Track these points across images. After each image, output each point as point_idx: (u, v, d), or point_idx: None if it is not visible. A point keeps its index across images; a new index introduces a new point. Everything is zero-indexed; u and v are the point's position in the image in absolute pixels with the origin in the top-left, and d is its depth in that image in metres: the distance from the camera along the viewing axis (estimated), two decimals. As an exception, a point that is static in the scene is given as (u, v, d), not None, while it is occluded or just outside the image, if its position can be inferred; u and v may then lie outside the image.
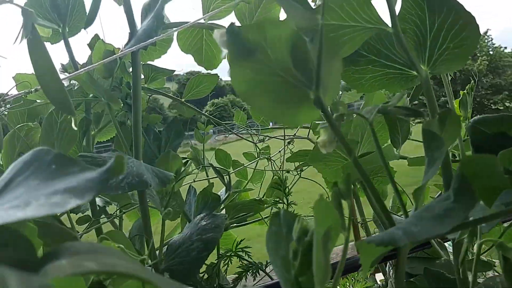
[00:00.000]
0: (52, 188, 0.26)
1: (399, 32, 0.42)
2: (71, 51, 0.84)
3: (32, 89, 0.52)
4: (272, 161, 0.86)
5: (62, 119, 0.54)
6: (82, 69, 0.60)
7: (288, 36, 0.33)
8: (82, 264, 0.20)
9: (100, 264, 0.19)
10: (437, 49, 0.47)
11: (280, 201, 0.79)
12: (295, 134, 0.86)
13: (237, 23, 0.82)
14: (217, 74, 0.87)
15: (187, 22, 0.72)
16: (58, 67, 1.13)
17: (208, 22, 0.75)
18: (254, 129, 0.92)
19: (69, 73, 1.00)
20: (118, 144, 0.83)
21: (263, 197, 0.81)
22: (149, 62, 0.81)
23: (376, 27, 0.43)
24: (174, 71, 0.83)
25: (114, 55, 0.64)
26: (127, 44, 0.67)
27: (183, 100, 0.87)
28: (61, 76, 1.09)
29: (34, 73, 0.67)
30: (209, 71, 0.86)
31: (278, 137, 0.86)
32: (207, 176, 0.89)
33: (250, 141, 0.90)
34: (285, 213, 0.32)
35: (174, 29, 0.67)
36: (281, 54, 0.33)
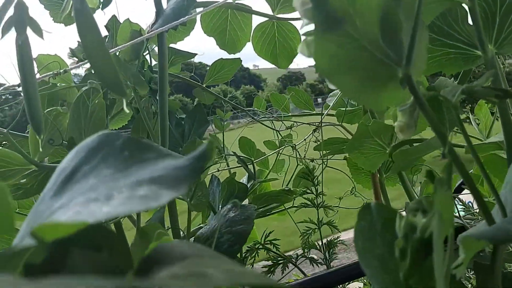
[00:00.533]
0: (133, 178, 0.22)
1: (476, 6, 0.39)
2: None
3: (61, 70, 0.48)
4: (296, 150, 0.82)
5: (93, 104, 0.50)
6: (113, 49, 0.55)
7: (380, 2, 0.29)
8: (205, 273, 0.16)
9: (226, 274, 0.16)
10: (506, 26, 0.43)
11: (309, 191, 0.75)
12: (321, 121, 0.83)
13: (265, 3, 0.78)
14: (239, 58, 0.83)
15: (215, 1, 0.67)
16: (66, 51, 1.08)
17: (235, 2, 0.71)
18: (275, 116, 0.88)
19: (79, 58, 0.95)
20: (136, 132, 0.79)
21: (287, 186, 0.78)
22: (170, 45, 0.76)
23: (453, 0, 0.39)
24: (196, 54, 0.79)
25: (142, 36, 0.59)
26: (154, 24, 0.62)
27: (204, 85, 0.83)
28: (71, 61, 1.04)
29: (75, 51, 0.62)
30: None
31: (312, 123, 0.82)
32: (228, 165, 0.85)
33: (272, 128, 0.87)
34: (378, 207, 0.29)
35: (204, 8, 0.62)
36: (370, 25, 0.29)
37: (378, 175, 0.81)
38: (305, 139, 0.84)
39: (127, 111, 0.45)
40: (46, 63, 0.61)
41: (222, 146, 0.87)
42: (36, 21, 0.33)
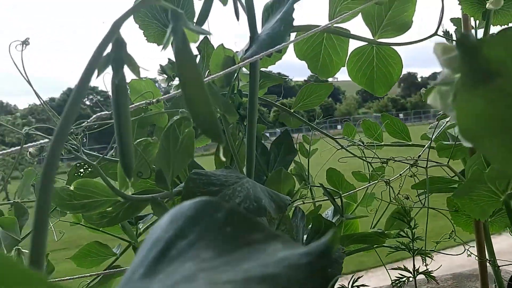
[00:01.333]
0: (240, 273, 0.18)
1: None
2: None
3: (154, 100, 0.46)
4: (389, 185, 0.75)
5: (184, 136, 0.47)
6: (207, 78, 0.53)
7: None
8: None
9: None
10: None
11: (404, 235, 0.68)
12: (419, 156, 0.75)
13: (363, 26, 0.73)
14: (331, 83, 0.78)
15: (313, 26, 0.63)
16: (157, 68, 1.09)
17: (334, 26, 0.66)
18: (366, 145, 0.81)
19: (168, 76, 0.96)
20: (219, 158, 0.76)
21: (379, 228, 0.71)
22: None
23: None
24: (286, 78, 0.75)
25: (236, 65, 0.56)
26: (247, 49, 0.59)
27: (292, 110, 0.79)
28: (161, 77, 1.04)
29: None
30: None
31: (410, 158, 0.75)
32: (313, 197, 0.80)
33: (363, 159, 0.80)
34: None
35: (303, 35, 0.58)
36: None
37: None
38: (400, 174, 0.77)
39: (223, 159, 0.42)
40: (138, 88, 0.60)
41: (307, 175, 0.82)
42: (134, 58, 0.30)
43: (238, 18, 0.87)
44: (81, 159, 0.47)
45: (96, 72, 0.29)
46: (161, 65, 1.05)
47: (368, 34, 0.71)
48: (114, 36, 0.30)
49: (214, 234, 0.20)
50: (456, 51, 0.24)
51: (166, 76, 0.95)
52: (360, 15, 0.70)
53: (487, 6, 0.54)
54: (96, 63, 0.28)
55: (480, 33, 0.75)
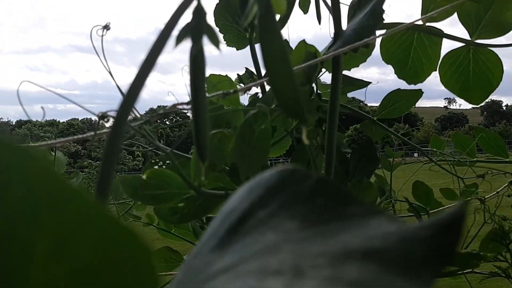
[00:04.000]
0: (335, 245, 0.14)
1: None
2: (256, 57, 0.78)
3: (231, 90, 0.44)
4: (484, 204, 0.67)
5: (259, 129, 0.45)
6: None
7: None
8: None
9: None
10: None
11: (502, 259, 0.60)
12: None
13: (456, 29, 0.67)
14: (421, 89, 0.72)
15: (403, 23, 0.58)
16: (234, 77, 1.09)
17: (426, 24, 0.61)
18: (458, 159, 0.74)
19: (245, 84, 0.94)
20: (295, 162, 0.73)
21: (473, 250, 0.63)
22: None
23: None
24: (370, 83, 0.71)
25: (317, 59, 0.53)
26: (331, 45, 0.56)
27: (375, 118, 0.73)
28: (239, 87, 1.04)
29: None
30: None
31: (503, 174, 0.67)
32: (395, 212, 0.74)
33: (454, 174, 0.73)
34: None
35: (392, 29, 0.54)
36: None
37: None
38: (498, 192, 0.68)
39: (306, 142, 0.38)
40: (216, 83, 0.59)
41: (389, 189, 0.76)
42: (214, 29, 0.28)
43: (320, 22, 0.84)
44: (155, 150, 0.45)
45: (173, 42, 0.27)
46: (238, 74, 1.05)
47: (464, 35, 0.65)
48: (191, 3, 0.28)
49: (301, 205, 0.17)
50: None
51: (244, 86, 0.93)
52: (455, 14, 0.64)
53: None
54: (169, 32, 0.26)
55: None
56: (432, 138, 0.82)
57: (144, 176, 0.42)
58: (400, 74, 0.70)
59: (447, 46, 0.67)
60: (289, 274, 0.13)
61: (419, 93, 0.72)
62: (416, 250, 0.13)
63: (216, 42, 0.28)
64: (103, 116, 0.38)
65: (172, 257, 0.91)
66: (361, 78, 0.72)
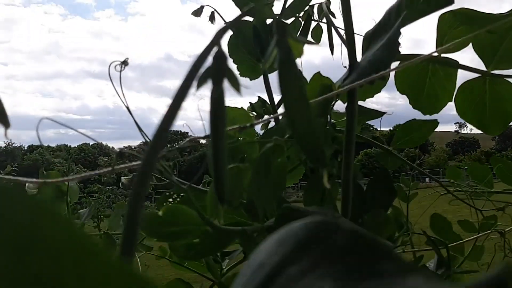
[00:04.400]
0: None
1: None
2: (269, 87, 0.78)
3: (248, 124, 0.44)
4: (504, 237, 0.65)
5: (278, 162, 0.44)
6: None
7: None
8: None
9: None
10: None
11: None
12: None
13: (469, 60, 0.66)
14: (437, 120, 0.71)
15: (418, 55, 0.58)
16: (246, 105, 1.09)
17: (441, 55, 0.61)
18: (476, 191, 0.72)
19: (258, 113, 0.94)
20: (309, 194, 0.72)
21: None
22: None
23: None
24: (385, 113, 0.70)
25: (333, 92, 0.53)
26: (346, 78, 0.56)
27: (391, 149, 0.73)
28: (254, 119, 1.04)
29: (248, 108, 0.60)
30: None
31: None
32: (412, 246, 0.72)
33: (472, 206, 0.71)
34: None
35: (408, 61, 0.54)
36: None
37: None
38: (518, 225, 0.67)
39: (328, 186, 0.38)
40: (231, 115, 0.59)
41: (406, 221, 0.74)
42: (234, 73, 0.28)
43: (332, 52, 0.84)
44: (172, 185, 0.45)
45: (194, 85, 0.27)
46: (251, 103, 1.05)
47: (479, 66, 0.65)
48: (213, 47, 0.28)
49: (332, 261, 0.16)
50: None
51: (256, 114, 0.93)
52: (470, 46, 0.64)
53: None
54: (193, 77, 0.26)
55: None
56: (449, 169, 0.81)
57: (160, 213, 0.41)
58: (415, 105, 0.70)
59: (462, 76, 0.67)
60: None
61: (435, 124, 0.71)
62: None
63: (237, 86, 0.28)
64: (121, 154, 0.37)
65: (184, 289, 0.89)
66: (371, 104, 0.72)
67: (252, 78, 0.79)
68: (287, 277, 0.16)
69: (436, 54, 0.59)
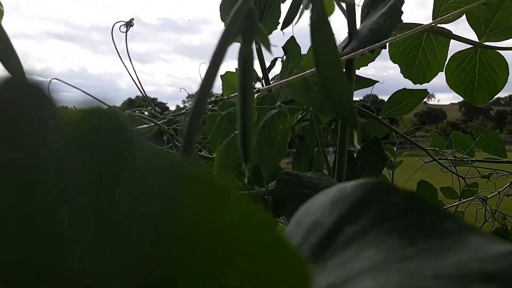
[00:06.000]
0: (450, 267, 0.14)
1: None
2: (261, 53, 0.77)
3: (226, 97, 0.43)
4: (486, 203, 0.69)
5: (284, 130, 0.45)
6: (297, 75, 0.50)
7: None
8: None
9: None
10: None
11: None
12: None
13: (463, 30, 0.68)
14: (426, 89, 0.72)
15: (416, 24, 0.59)
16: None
17: (437, 25, 0.62)
18: (461, 159, 0.75)
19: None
20: (298, 160, 0.73)
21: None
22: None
23: None
24: (377, 82, 0.71)
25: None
26: (346, 45, 0.56)
27: (380, 117, 0.74)
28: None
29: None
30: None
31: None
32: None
33: (456, 174, 0.74)
34: None
35: (407, 32, 0.54)
36: None
37: None
38: (499, 192, 0.70)
39: (358, 146, 0.38)
40: (232, 81, 0.59)
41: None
42: (264, 31, 0.28)
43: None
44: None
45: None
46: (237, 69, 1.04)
47: (472, 37, 0.66)
48: (247, 6, 0.27)
49: (394, 220, 0.17)
50: None
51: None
52: (464, 16, 0.65)
53: None
54: (230, 35, 0.26)
55: None
56: (433, 137, 0.83)
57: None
58: (406, 73, 0.71)
59: (452, 47, 0.68)
60: (412, 297, 0.13)
61: (424, 93, 0.73)
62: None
63: (267, 45, 0.28)
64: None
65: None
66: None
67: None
68: (349, 234, 0.17)
69: (434, 24, 0.60)
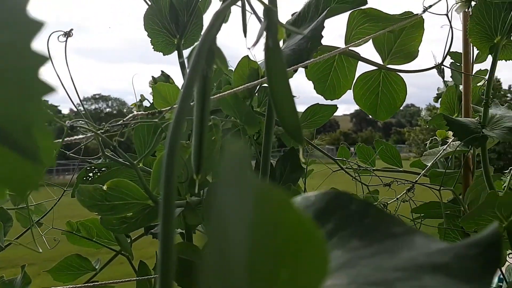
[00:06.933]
0: (405, 261, 0.18)
1: None
2: (184, 64, 0.79)
3: (169, 108, 0.45)
4: (386, 208, 0.77)
5: (212, 141, 0.47)
6: (230, 91, 0.53)
7: None
8: None
9: None
10: None
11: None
12: (416, 180, 0.78)
13: (369, 53, 0.75)
14: (336, 105, 0.79)
15: (332, 47, 0.65)
16: (149, 79, 1.07)
17: (349, 48, 0.68)
18: (364, 168, 0.83)
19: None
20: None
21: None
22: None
23: None
24: (294, 96, 0.76)
25: (261, 79, 0.56)
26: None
27: (296, 129, 0.79)
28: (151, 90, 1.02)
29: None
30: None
31: (408, 181, 0.77)
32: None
33: (360, 182, 0.82)
34: None
35: (325, 55, 0.59)
36: None
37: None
38: (397, 198, 0.79)
39: (303, 160, 0.41)
40: (163, 92, 0.59)
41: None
42: (223, 53, 0.30)
43: (245, 35, 0.87)
44: (112, 159, 0.45)
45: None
46: (153, 77, 1.04)
47: (375, 60, 0.74)
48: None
49: (354, 225, 0.20)
50: None
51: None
52: (370, 41, 0.72)
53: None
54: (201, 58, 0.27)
55: (477, 67, 0.80)
56: (340, 149, 0.91)
57: (105, 187, 0.41)
58: (319, 90, 0.77)
59: (360, 68, 0.76)
60: (382, 285, 0.16)
61: (334, 108, 0.79)
62: (469, 265, 0.17)
63: (225, 66, 0.30)
64: (72, 127, 0.37)
65: (81, 265, 0.87)
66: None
67: (165, 53, 0.79)
68: (318, 238, 0.20)
69: (348, 47, 0.67)
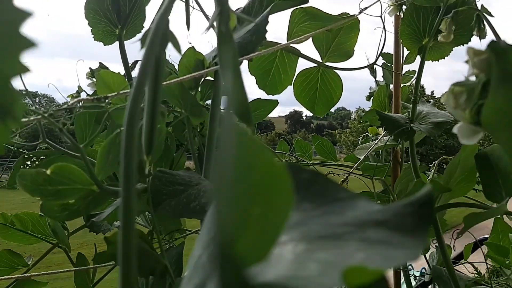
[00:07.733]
0: (350, 218, 0.20)
1: None
2: (125, 55, 0.77)
3: (122, 92, 0.45)
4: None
5: (161, 129, 0.47)
6: (176, 79, 0.53)
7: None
8: None
9: None
10: None
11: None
12: (351, 172, 0.82)
13: (314, 50, 0.79)
14: (277, 100, 0.82)
15: (275, 42, 0.67)
16: (86, 70, 1.05)
17: (290, 45, 0.71)
18: (302, 161, 0.87)
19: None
20: (159, 161, 0.76)
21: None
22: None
23: None
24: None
25: (206, 70, 0.57)
26: (216, 56, 0.61)
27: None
28: (89, 81, 1.00)
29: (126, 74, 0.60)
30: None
31: (343, 173, 0.81)
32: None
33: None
34: None
35: (268, 49, 0.62)
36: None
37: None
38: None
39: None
40: (107, 80, 0.58)
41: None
42: (176, 38, 0.31)
43: (188, 28, 0.88)
44: (52, 145, 0.44)
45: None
46: (90, 68, 1.01)
47: (315, 57, 0.77)
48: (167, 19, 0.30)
49: (304, 190, 0.22)
50: (487, 54, 0.29)
51: (95, 80, 0.91)
52: (310, 39, 0.76)
53: (438, 39, 0.63)
54: (155, 45, 0.28)
55: (407, 67, 0.86)
56: (279, 143, 0.94)
57: (48, 171, 0.40)
58: (261, 85, 0.79)
59: (300, 65, 0.79)
60: (331, 238, 0.18)
61: (275, 103, 0.82)
62: (406, 221, 0.19)
63: (178, 49, 0.31)
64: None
65: (12, 261, 0.83)
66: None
67: (106, 43, 0.77)
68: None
69: (290, 44, 0.69)
